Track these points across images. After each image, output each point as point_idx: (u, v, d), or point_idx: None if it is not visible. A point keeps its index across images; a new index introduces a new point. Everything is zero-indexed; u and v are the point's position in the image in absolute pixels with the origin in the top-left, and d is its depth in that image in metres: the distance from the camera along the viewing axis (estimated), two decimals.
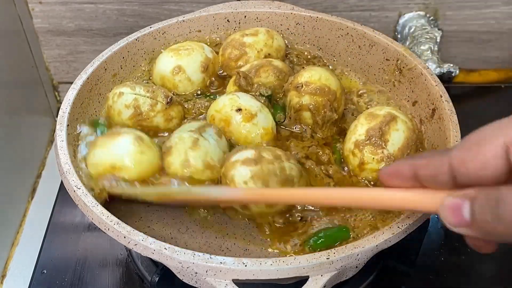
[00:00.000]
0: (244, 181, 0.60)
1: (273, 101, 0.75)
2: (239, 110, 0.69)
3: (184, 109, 0.75)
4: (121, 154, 0.63)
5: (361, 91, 0.80)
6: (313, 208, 0.64)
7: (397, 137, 0.67)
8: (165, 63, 0.78)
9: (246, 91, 0.74)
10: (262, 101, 0.72)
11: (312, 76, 0.72)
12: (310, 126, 0.73)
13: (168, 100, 0.72)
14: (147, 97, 0.71)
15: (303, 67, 0.81)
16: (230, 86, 0.77)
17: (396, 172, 0.50)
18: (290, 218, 0.64)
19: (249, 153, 0.63)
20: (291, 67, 0.81)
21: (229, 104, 0.70)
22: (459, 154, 0.44)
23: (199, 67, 0.78)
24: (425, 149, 0.71)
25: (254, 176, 0.60)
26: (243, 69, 0.77)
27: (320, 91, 0.71)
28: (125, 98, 0.71)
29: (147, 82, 0.79)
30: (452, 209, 0.44)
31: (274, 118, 0.72)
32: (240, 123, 0.69)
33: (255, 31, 0.82)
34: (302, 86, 0.72)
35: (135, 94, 0.71)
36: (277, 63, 0.78)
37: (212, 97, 0.77)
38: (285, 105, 0.74)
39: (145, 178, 0.64)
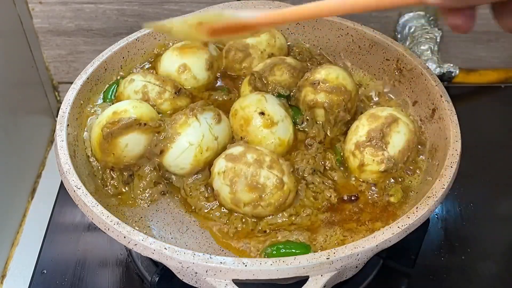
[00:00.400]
0: (218, 172, 0.64)
1: (292, 102, 0.75)
2: (262, 113, 0.69)
3: (192, 102, 0.75)
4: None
5: (369, 91, 0.80)
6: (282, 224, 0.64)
7: (398, 139, 0.67)
8: (171, 62, 0.78)
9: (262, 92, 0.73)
10: (282, 103, 0.72)
11: (330, 74, 0.72)
12: (321, 124, 0.73)
13: (177, 91, 0.73)
14: (156, 85, 0.73)
15: (310, 64, 0.81)
16: (245, 86, 0.76)
17: None
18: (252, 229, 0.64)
19: (236, 150, 0.65)
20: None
21: (255, 105, 0.69)
22: None
23: (204, 65, 0.78)
24: (426, 149, 0.71)
25: (225, 172, 0.63)
26: (256, 69, 0.77)
27: (337, 90, 0.71)
28: (135, 84, 0.73)
29: None
30: None
31: (295, 121, 0.72)
32: (258, 127, 0.68)
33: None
34: (318, 83, 0.71)
35: (145, 81, 0.73)
36: (290, 60, 0.78)
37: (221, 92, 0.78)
38: (298, 100, 0.74)
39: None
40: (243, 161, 0.63)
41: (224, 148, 0.68)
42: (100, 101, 0.76)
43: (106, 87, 0.77)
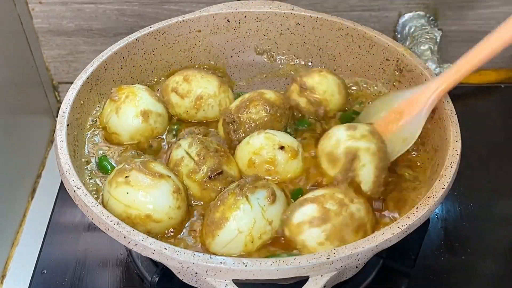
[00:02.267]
0: (319, 243, 0.57)
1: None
2: (282, 148, 0.66)
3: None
4: (162, 208, 0.61)
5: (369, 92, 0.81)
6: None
7: (366, 173, 0.64)
8: (130, 117, 0.71)
9: (237, 140, 0.71)
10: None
11: (321, 84, 0.74)
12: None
13: (212, 175, 0.64)
14: (193, 160, 0.65)
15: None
16: (220, 129, 0.74)
17: None
18: None
19: (311, 210, 0.59)
20: None
21: (269, 143, 0.66)
22: None
23: (154, 97, 0.74)
24: (427, 149, 0.71)
25: (329, 236, 0.57)
26: (233, 104, 0.74)
27: (317, 104, 0.73)
28: (178, 152, 0.67)
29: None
30: None
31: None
32: (287, 162, 0.66)
33: (187, 92, 0.75)
34: (306, 89, 0.73)
35: (186, 152, 0.66)
36: (270, 95, 0.73)
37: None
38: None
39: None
40: (333, 213, 0.58)
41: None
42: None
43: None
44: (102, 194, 0.65)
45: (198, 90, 0.75)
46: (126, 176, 0.62)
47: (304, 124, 0.74)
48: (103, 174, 0.68)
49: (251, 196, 0.60)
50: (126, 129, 0.72)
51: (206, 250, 0.61)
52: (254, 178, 0.62)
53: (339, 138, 0.65)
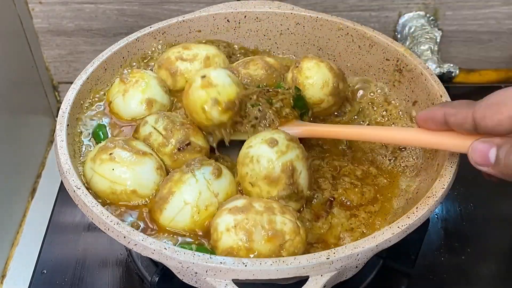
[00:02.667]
0: (226, 228, 0.57)
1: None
2: (203, 77, 0.65)
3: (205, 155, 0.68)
4: (147, 183, 0.64)
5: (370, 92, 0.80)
6: None
7: (303, 178, 0.63)
8: (134, 102, 0.72)
9: None
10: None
11: (309, 70, 0.73)
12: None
13: (181, 146, 0.66)
14: (161, 134, 0.67)
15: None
16: None
17: (430, 117, 0.58)
18: None
19: (239, 202, 0.59)
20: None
21: (201, 71, 0.67)
22: (481, 110, 0.52)
23: (163, 88, 0.75)
24: (427, 149, 0.71)
25: (237, 225, 0.56)
26: (234, 64, 0.78)
27: (295, 85, 0.73)
28: (146, 128, 0.68)
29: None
30: (481, 152, 0.54)
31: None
32: (196, 88, 0.65)
33: (193, 56, 0.78)
34: (296, 67, 0.74)
35: (153, 127, 0.68)
36: (269, 59, 0.78)
37: None
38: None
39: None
40: (253, 211, 0.57)
41: None
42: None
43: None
44: (83, 172, 0.66)
45: (203, 52, 0.78)
46: (110, 153, 0.64)
47: (278, 87, 0.74)
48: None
49: (197, 171, 0.62)
50: (128, 112, 0.73)
51: (155, 225, 0.62)
52: (201, 159, 0.64)
53: (270, 158, 0.62)
